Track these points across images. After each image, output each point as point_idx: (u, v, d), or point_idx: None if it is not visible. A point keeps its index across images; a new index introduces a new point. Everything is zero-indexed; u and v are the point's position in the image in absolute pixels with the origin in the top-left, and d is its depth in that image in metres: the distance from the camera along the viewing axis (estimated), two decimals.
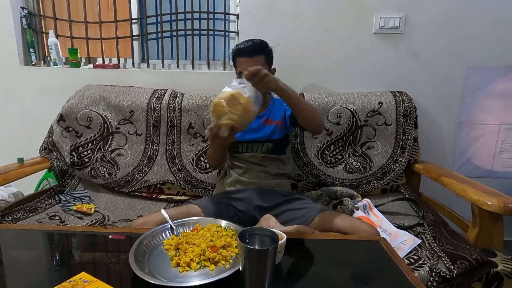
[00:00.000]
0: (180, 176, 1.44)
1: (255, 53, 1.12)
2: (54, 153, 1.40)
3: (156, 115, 1.45)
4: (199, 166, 1.44)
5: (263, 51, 1.14)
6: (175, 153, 1.45)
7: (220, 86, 1.58)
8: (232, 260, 0.70)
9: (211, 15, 1.66)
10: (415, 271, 0.91)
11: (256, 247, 0.61)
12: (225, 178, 1.23)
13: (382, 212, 1.26)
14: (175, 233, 0.80)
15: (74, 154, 1.43)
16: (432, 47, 1.57)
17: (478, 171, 1.69)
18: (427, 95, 1.60)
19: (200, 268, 0.67)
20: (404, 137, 1.46)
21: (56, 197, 1.31)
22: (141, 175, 1.44)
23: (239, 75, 1.13)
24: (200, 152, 1.45)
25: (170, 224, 0.82)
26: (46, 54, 1.74)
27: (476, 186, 1.09)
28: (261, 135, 1.18)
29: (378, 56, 1.59)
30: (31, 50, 1.67)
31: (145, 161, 1.45)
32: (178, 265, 0.68)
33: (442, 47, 1.57)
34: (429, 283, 0.89)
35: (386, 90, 1.53)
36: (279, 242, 0.64)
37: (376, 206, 1.30)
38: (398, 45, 1.58)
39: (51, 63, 1.69)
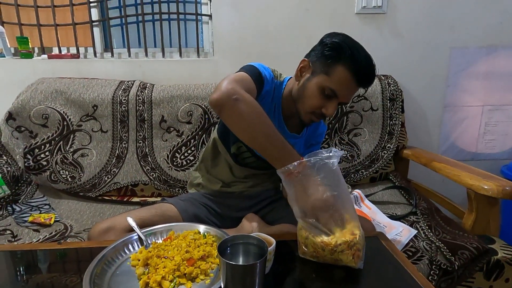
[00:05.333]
0: (154, 175, 1.30)
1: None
2: (4, 157, 1.21)
3: (123, 109, 1.30)
4: (174, 163, 1.31)
5: None
6: (147, 150, 1.31)
7: (193, 75, 1.48)
8: (213, 274, 0.59)
9: None
10: (414, 265, 0.84)
11: (240, 261, 0.51)
12: (203, 179, 1.06)
13: (373, 202, 1.19)
14: (144, 244, 0.68)
15: (29, 157, 1.25)
16: (415, 27, 1.51)
17: (463, 153, 1.67)
18: (411, 78, 1.54)
19: (174, 287, 0.56)
20: (391, 122, 1.39)
21: (9, 208, 1.14)
22: (109, 176, 1.28)
23: (326, 97, 0.81)
24: (175, 148, 1.31)
25: (138, 234, 0.70)
26: None
27: (471, 170, 1.04)
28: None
29: (361, 37, 1.43)
30: None
31: (114, 160, 1.30)
32: (147, 285, 0.56)
33: (425, 27, 1.51)
34: (429, 277, 0.83)
35: None
36: (269, 249, 0.53)
37: (366, 196, 1.23)
38: (381, 26, 1.50)
39: None
